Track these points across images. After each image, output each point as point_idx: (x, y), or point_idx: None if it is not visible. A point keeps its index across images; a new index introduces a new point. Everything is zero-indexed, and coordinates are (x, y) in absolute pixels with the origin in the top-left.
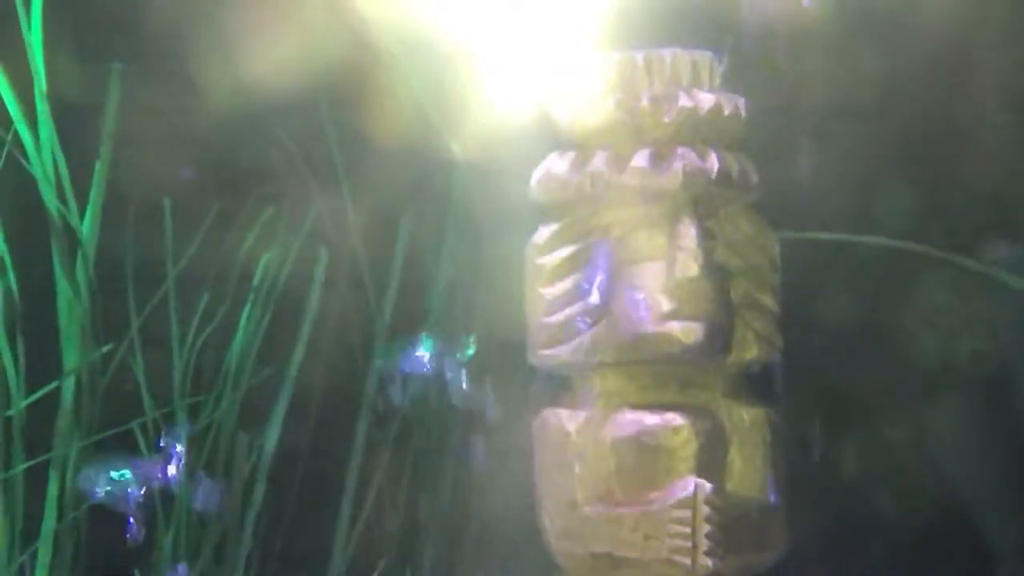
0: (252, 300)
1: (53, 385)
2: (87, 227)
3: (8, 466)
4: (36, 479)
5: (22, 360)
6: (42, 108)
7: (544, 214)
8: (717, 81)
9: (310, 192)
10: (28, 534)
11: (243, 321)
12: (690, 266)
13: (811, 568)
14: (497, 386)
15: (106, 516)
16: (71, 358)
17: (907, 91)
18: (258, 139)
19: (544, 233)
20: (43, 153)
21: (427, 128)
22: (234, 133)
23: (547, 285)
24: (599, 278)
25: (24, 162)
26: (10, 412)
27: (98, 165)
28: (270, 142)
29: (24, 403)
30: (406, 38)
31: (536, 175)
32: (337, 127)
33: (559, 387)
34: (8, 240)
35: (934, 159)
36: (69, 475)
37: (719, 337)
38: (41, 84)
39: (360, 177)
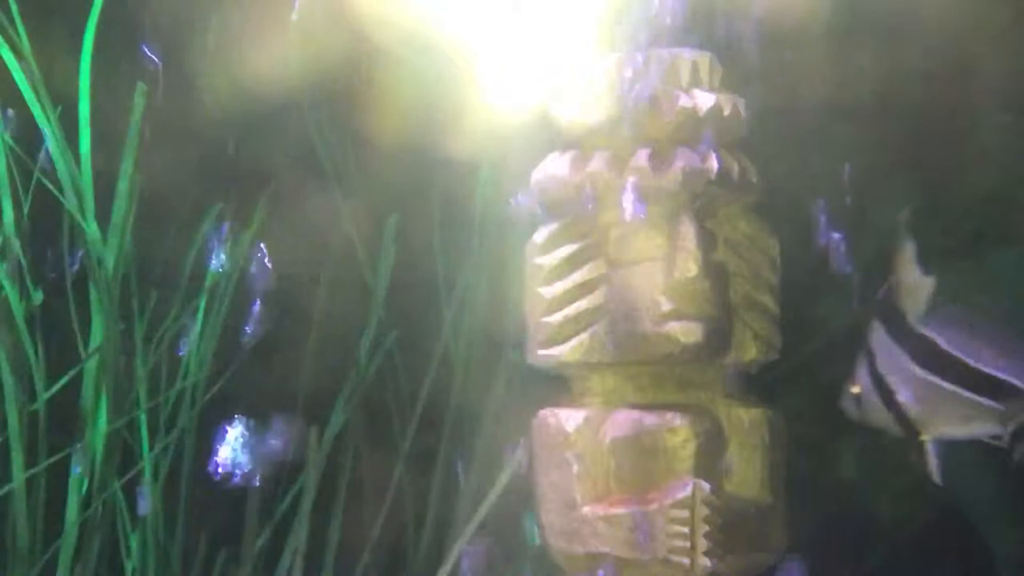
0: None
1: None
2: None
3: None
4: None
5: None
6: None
7: (544, 214)
8: (717, 81)
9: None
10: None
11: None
12: (689, 266)
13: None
14: (495, 385)
15: None
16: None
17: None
18: (259, 139)
19: (544, 233)
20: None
21: (428, 128)
22: (233, 133)
23: (547, 285)
24: (598, 278)
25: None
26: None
27: (122, 181)
28: (270, 142)
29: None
30: (407, 38)
31: (536, 175)
32: (339, 127)
33: (558, 387)
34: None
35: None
36: None
37: (718, 337)
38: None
39: (360, 176)
